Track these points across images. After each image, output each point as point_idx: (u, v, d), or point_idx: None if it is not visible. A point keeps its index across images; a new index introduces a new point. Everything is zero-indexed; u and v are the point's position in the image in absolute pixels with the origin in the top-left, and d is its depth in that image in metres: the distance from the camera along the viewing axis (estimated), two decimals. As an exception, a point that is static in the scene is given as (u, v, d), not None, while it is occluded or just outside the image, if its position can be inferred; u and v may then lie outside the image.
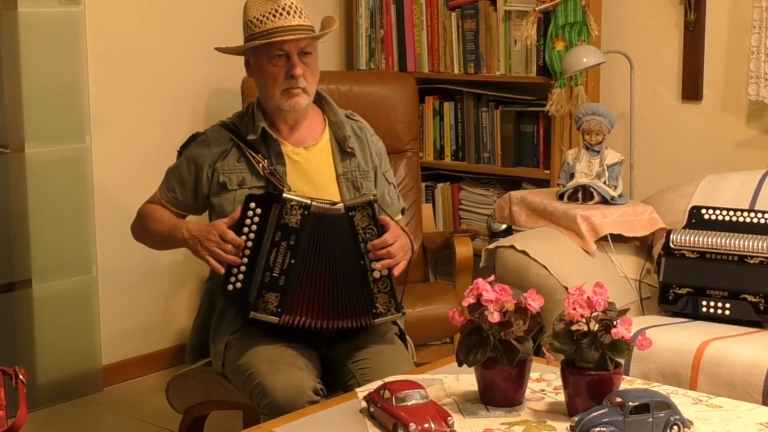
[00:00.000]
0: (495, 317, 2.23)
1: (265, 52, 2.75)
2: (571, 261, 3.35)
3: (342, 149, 2.86)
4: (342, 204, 2.68)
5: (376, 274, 2.66)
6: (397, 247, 2.68)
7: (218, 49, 2.89)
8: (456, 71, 4.49)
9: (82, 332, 4.09)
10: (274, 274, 2.63)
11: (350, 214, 2.66)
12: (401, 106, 4.25)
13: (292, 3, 2.73)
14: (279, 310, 2.63)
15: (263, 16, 2.73)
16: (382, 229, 2.68)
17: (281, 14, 2.72)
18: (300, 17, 2.73)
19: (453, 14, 4.46)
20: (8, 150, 3.85)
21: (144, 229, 2.88)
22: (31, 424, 2.65)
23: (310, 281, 2.66)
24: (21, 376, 2.42)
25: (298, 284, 2.65)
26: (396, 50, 4.65)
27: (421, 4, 4.54)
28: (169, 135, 4.13)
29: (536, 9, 4.12)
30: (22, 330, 3.95)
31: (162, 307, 4.40)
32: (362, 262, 2.66)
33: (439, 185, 4.62)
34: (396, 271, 2.69)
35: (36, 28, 3.85)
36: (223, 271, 2.64)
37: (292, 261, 2.64)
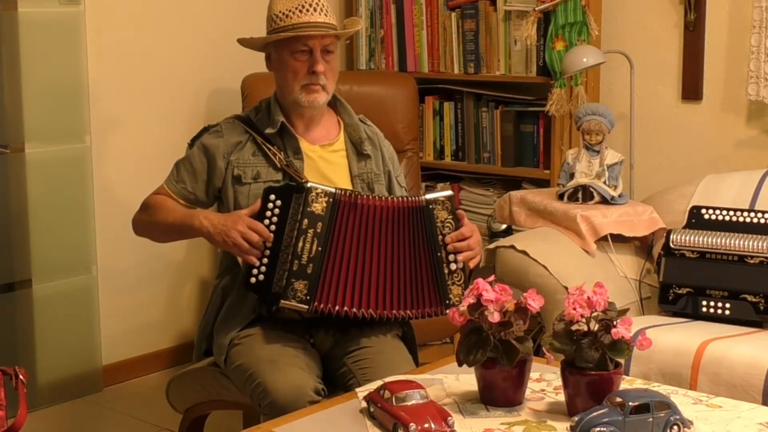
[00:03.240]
0: (495, 317, 2.23)
1: (288, 46, 2.76)
2: (571, 261, 3.35)
3: (358, 151, 2.87)
4: (423, 196, 2.72)
5: (453, 266, 2.69)
6: (474, 241, 2.73)
7: (240, 41, 2.89)
8: (456, 71, 4.49)
9: (82, 332, 4.09)
10: (302, 262, 2.63)
11: (431, 207, 2.70)
12: (401, 106, 4.25)
13: (319, 0, 2.74)
14: (308, 298, 2.63)
15: (289, 11, 2.73)
16: (459, 223, 2.72)
17: (307, 10, 2.73)
18: (326, 15, 2.75)
19: (453, 14, 4.46)
20: (8, 150, 3.85)
21: (150, 220, 2.85)
22: (31, 424, 2.64)
23: (349, 269, 2.66)
24: (21, 376, 2.42)
25: (328, 272, 2.65)
26: (396, 50, 4.65)
27: (421, 4, 4.54)
28: (169, 135, 4.13)
29: (536, 9, 4.12)
30: (22, 330, 3.95)
31: (162, 307, 4.40)
32: (439, 254, 2.69)
33: (439, 185, 4.62)
34: (472, 264, 2.74)
35: (36, 28, 3.85)
36: (257, 262, 2.63)
37: (320, 248, 2.64)
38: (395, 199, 2.72)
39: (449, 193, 2.75)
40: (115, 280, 4.18)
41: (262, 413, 2.58)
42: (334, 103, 2.91)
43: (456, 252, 2.70)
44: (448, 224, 2.70)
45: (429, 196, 2.72)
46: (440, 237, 2.70)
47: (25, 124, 3.87)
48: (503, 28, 4.32)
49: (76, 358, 4.07)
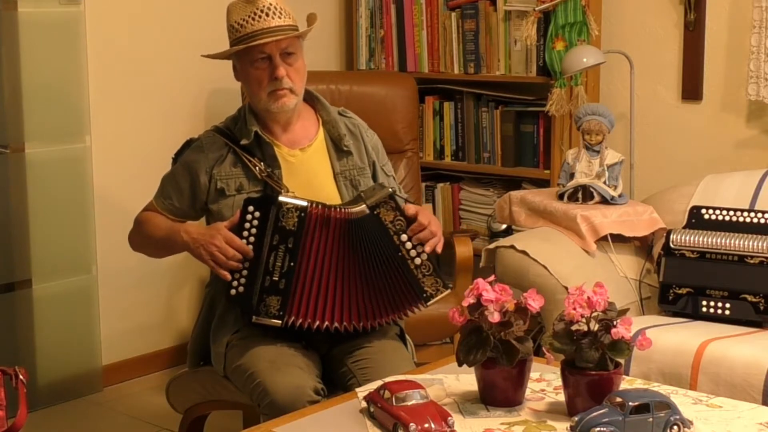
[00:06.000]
0: (495, 317, 2.23)
1: (247, 56, 2.74)
2: (571, 261, 3.35)
3: (338, 148, 2.86)
4: (364, 205, 2.68)
5: (417, 261, 2.68)
6: (435, 226, 2.72)
7: (205, 56, 2.88)
8: (456, 71, 4.49)
9: (82, 332, 4.09)
10: (274, 278, 2.63)
11: (375, 212, 2.67)
12: (401, 106, 4.25)
13: (271, 4, 2.71)
14: (281, 313, 2.63)
15: (243, 20, 2.71)
16: (406, 215, 2.69)
17: (260, 16, 2.70)
18: (280, 17, 2.72)
19: (453, 14, 4.46)
20: (8, 150, 3.85)
21: (141, 237, 2.88)
22: (31, 424, 2.64)
23: (320, 283, 2.65)
24: (21, 376, 2.42)
25: (300, 286, 2.64)
26: (396, 50, 4.65)
27: (421, 4, 4.54)
28: (168, 135, 4.13)
29: (536, 9, 4.12)
30: (22, 330, 3.95)
31: (162, 307, 4.40)
32: (400, 253, 2.67)
33: (439, 185, 4.62)
34: (439, 249, 2.71)
35: (36, 28, 3.85)
36: (229, 277, 2.64)
37: (291, 264, 2.63)
38: (342, 210, 2.67)
39: (389, 191, 2.71)
40: (115, 280, 4.18)
41: (262, 413, 2.58)
42: (311, 100, 2.89)
43: (420, 243, 2.68)
44: (399, 222, 2.68)
45: (370, 201, 2.68)
46: (395, 237, 2.67)
47: (25, 124, 3.87)
48: (503, 28, 4.32)
49: (76, 358, 4.07)
